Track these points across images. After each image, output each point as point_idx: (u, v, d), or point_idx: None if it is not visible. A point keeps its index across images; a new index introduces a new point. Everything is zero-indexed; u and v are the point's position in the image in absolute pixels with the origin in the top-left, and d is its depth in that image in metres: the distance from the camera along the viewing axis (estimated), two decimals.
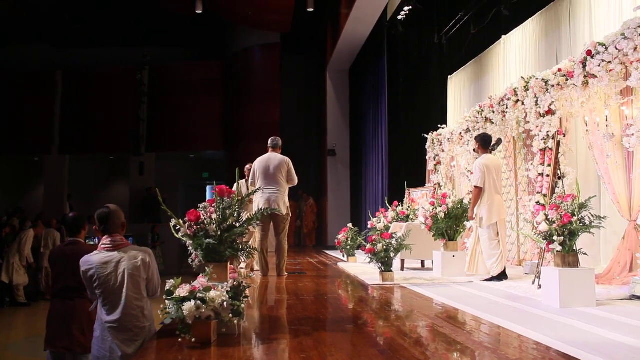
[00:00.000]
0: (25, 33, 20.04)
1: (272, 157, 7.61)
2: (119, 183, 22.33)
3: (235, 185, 7.55)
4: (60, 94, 20.58)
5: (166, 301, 3.38)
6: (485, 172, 6.69)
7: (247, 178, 8.08)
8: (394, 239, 6.52)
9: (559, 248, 4.78)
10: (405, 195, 10.51)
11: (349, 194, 18.25)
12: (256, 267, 8.00)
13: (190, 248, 3.76)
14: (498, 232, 6.70)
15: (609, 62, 5.68)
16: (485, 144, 6.98)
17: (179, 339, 3.33)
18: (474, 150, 7.26)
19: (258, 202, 7.42)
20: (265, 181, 7.48)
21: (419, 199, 10.05)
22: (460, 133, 9.86)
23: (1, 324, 10.87)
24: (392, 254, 6.56)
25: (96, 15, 19.49)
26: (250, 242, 7.74)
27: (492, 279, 6.66)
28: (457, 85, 12.05)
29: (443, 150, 10.95)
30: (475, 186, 6.77)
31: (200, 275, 3.68)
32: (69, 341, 4.83)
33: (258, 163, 7.61)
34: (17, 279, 11.76)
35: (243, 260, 7.91)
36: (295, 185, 7.77)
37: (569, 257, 4.81)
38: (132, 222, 17.72)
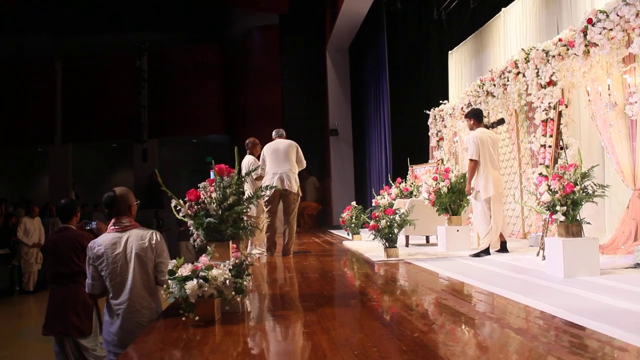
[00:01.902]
0: (23, 23, 19.94)
1: (281, 141, 7.76)
2: (123, 170, 22.37)
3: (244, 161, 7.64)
4: (60, 83, 20.58)
5: (169, 281, 3.39)
6: (480, 145, 6.61)
7: (249, 152, 8.13)
8: (397, 215, 6.52)
9: (562, 218, 4.76)
10: (409, 172, 10.49)
11: (352, 173, 18.23)
12: (258, 250, 8.02)
13: (191, 228, 3.76)
14: (490, 207, 6.64)
15: (610, 29, 5.62)
16: (479, 117, 6.91)
17: (183, 318, 3.34)
18: (470, 128, 7.08)
19: (269, 183, 7.42)
20: (276, 162, 7.56)
21: (422, 175, 10.02)
22: (462, 108, 9.82)
23: (12, 311, 10.99)
24: (395, 230, 6.56)
25: (93, 2, 19.38)
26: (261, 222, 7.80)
27: (478, 253, 6.61)
28: (458, 61, 11.96)
29: (445, 126, 10.91)
30: (470, 159, 6.69)
31: (203, 255, 3.69)
32: (65, 326, 4.91)
33: (267, 148, 7.71)
34: (26, 267, 11.93)
35: (253, 244, 7.96)
36: (304, 168, 7.86)
37: (573, 227, 4.79)
38: (137, 209, 17.75)
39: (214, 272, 3.36)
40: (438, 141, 11.20)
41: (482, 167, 6.60)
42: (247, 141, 8.28)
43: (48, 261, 5.19)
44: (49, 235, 5.40)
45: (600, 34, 5.71)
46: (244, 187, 3.93)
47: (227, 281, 3.39)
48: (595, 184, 4.78)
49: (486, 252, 6.60)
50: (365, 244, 8.78)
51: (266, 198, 7.48)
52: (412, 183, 9.43)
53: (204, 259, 3.53)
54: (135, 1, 19.30)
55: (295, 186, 7.55)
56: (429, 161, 11.27)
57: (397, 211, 6.61)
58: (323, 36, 18.46)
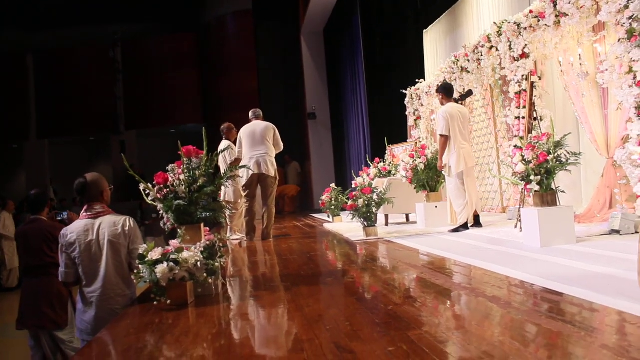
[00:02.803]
0: None
1: (258, 124, 7.66)
2: (102, 164, 22.11)
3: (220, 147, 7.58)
4: (33, 78, 20.21)
5: (139, 265, 3.32)
6: (449, 120, 6.59)
7: (225, 137, 8.06)
8: (375, 194, 6.48)
9: (537, 188, 4.76)
10: (387, 152, 10.46)
11: (332, 156, 18.17)
12: (238, 235, 7.97)
13: (161, 212, 3.69)
14: (463, 182, 6.64)
15: None
16: (448, 92, 6.88)
17: (155, 303, 3.29)
18: (440, 103, 7.06)
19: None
20: (252, 145, 7.48)
21: (400, 154, 9.99)
22: (438, 85, 9.77)
23: None
24: (374, 209, 6.53)
25: None
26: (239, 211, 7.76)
27: (457, 229, 6.62)
28: (433, 39, 11.90)
29: (422, 105, 10.88)
30: (440, 135, 6.67)
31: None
32: (39, 319, 4.81)
33: (243, 131, 7.62)
34: (10, 262, 11.74)
35: (233, 230, 7.92)
36: (281, 151, 7.79)
37: (547, 197, 4.79)
38: (118, 201, 17.59)
39: (185, 254, 3.31)
40: (415, 120, 11.16)
41: (453, 142, 6.59)
42: (222, 127, 8.20)
43: (19, 253, 5.08)
44: (19, 227, 5.26)
45: (569, 3, 5.68)
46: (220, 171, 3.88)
47: (199, 263, 3.33)
48: (568, 152, 4.77)
49: (464, 226, 6.60)
50: (346, 225, 8.76)
51: (243, 182, 7.43)
52: (390, 162, 9.40)
53: (174, 242, 3.47)
54: None
55: (272, 170, 7.49)
56: (407, 140, 11.24)
57: (374, 190, 6.58)
58: (297, 20, 18.30)
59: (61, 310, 4.94)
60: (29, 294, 4.95)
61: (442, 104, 6.89)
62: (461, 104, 7.18)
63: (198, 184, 3.66)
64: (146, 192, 3.71)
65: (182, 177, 3.61)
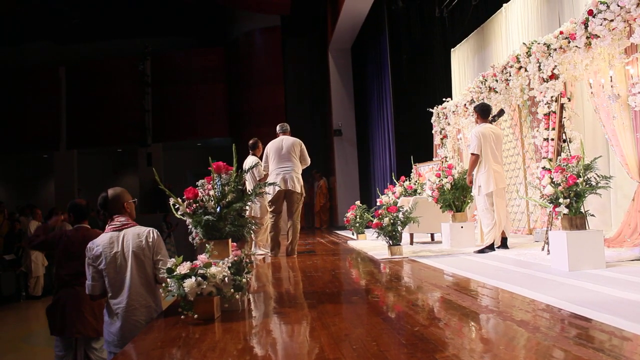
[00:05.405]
0: (26, 31, 20.02)
1: (285, 139, 7.69)
2: (128, 175, 22.41)
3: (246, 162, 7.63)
4: (64, 89, 20.61)
5: (167, 279, 3.36)
6: (482, 140, 6.57)
7: (252, 152, 8.11)
8: (401, 212, 6.47)
9: (566, 210, 4.70)
10: (413, 170, 10.43)
11: (357, 173, 18.17)
12: (262, 250, 8.00)
13: (190, 226, 3.73)
14: (493, 202, 6.59)
15: (611, 20, 5.56)
16: (483, 113, 6.87)
17: (182, 317, 3.31)
18: (475, 122, 7.08)
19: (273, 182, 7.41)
20: (279, 161, 7.52)
21: (426, 173, 9.96)
22: (465, 105, 9.77)
23: (19, 317, 11.02)
24: (399, 228, 6.51)
25: (95, 8, 19.43)
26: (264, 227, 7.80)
27: (483, 249, 6.56)
28: (461, 58, 11.90)
29: (449, 124, 10.86)
30: (471, 153, 6.66)
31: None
32: (84, 326, 4.85)
33: (270, 145, 7.66)
34: (35, 271, 11.94)
35: (257, 245, 7.95)
36: (308, 166, 7.83)
37: (576, 220, 4.74)
38: (144, 213, 17.79)
39: (213, 269, 3.34)
40: (442, 139, 11.14)
41: (484, 162, 6.57)
42: (250, 142, 8.25)
43: (64, 261, 5.05)
44: (63, 235, 5.20)
45: (601, 25, 5.65)
46: (246, 186, 3.92)
47: (226, 278, 3.36)
48: (598, 176, 4.72)
49: (490, 247, 6.55)
50: (370, 243, 8.74)
51: (269, 197, 7.46)
52: (416, 181, 9.38)
53: (202, 257, 3.50)
54: (137, 7, 19.34)
55: (298, 186, 7.51)
56: (433, 159, 11.21)
57: (400, 209, 6.57)
58: (325, 36, 18.43)
59: (101, 319, 4.98)
60: (71, 301, 4.92)
61: (477, 123, 6.89)
62: (494, 124, 7.16)
63: (227, 200, 3.70)
64: (175, 207, 3.75)
65: (211, 192, 3.65)
